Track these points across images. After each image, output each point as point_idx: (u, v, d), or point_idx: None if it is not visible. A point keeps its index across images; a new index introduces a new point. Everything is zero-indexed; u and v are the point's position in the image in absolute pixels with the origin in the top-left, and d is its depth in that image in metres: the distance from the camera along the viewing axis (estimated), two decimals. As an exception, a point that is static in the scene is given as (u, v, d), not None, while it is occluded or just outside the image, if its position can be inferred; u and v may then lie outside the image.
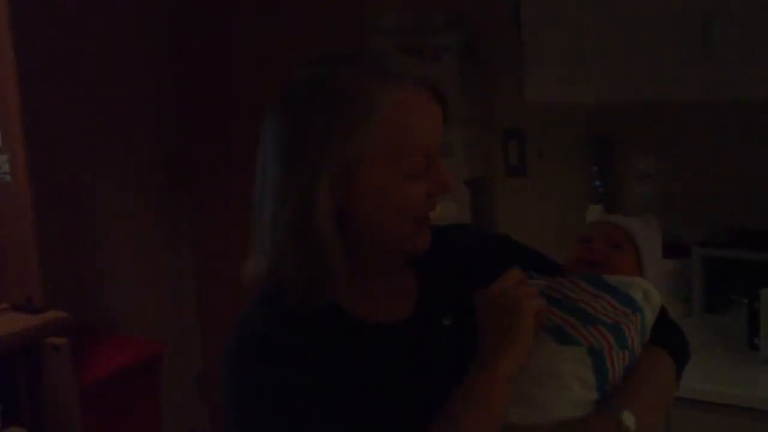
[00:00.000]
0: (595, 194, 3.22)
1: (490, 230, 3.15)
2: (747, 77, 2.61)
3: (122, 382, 3.49)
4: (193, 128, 4.19)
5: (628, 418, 1.38)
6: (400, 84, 1.35)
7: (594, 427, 1.38)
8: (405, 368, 1.39)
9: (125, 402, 3.54)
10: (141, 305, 4.07)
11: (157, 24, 4.09)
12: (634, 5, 2.75)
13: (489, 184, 3.48)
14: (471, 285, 1.45)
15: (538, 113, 3.26)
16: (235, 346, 1.35)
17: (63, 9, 3.67)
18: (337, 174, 1.33)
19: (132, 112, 4.02)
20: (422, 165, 1.37)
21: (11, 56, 3.05)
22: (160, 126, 4.15)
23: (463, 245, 1.58)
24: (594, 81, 2.85)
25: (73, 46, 3.73)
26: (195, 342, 4.34)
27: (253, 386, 1.31)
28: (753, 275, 2.65)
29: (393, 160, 1.35)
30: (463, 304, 1.44)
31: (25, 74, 3.10)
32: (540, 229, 3.22)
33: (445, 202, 1.49)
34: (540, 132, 3.37)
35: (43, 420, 3.09)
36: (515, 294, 1.37)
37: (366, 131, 1.33)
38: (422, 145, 1.37)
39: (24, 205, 3.14)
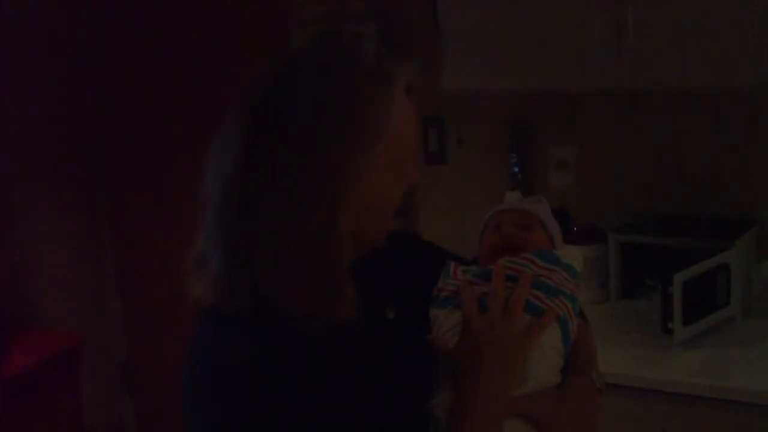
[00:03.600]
0: (514, 181, 3.24)
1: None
2: (660, 65, 2.64)
3: (40, 376, 3.44)
4: (112, 119, 4.13)
5: (599, 377, 1.52)
6: (401, 94, 1.37)
7: (582, 387, 1.48)
8: (372, 363, 1.41)
9: (44, 396, 3.49)
10: (61, 297, 4.01)
11: (75, 15, 4.02)
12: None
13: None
14: (401, 276, 1.50)
15: (457, 101, 3.27)
16: (221, 379, 1.30)
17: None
18: (354, 186, 1.32)
19: (48, 103, 3.94)
20: (412, 168, 1.41)
21: None
22: (77, 117, 4.08)
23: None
24: (510, 69, 2.86)
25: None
26: (118, 332, 4.28)
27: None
28: (668, 260, 2.68)
29: (393, 167, 1.37)
30: (399, 297, 1.49)
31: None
32: (460, 216, 3.23)
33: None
34: (459, 119, 3.38)
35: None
36: (511, 333, 1.41)
37: (380, 143, 1.33)
38: (414, 150, 1.41)
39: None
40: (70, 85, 4.03)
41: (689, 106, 2.99)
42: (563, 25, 2.74)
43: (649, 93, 3.01)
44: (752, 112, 2.91)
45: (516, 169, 3.25)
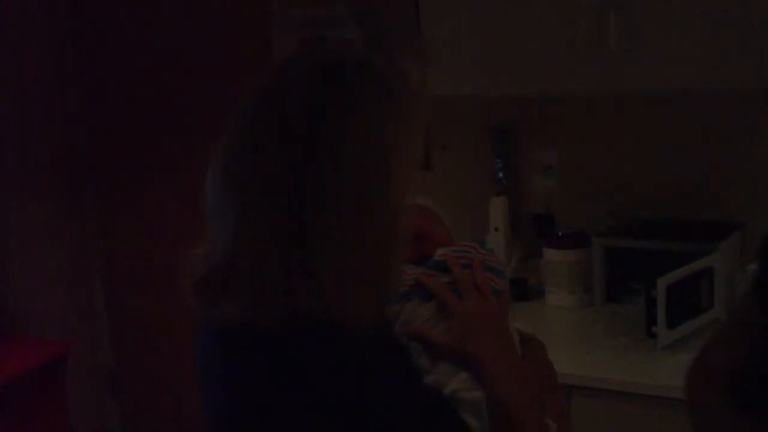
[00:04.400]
0: (498, 186, 3.25)
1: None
2: (642, 69, 2.65)
3: (27, 384, 3.43)
4: (98, 125, 4.12)
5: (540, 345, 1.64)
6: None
7: (539, 348, 1.61)
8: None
9: (32, 403, 3.48)
10: (47, 305, 4.00)
11: (58, 19, 4.01)
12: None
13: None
14: None
15: (440, 106, 3.27)
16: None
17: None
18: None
19: (33, 108, 3.93)
20: None
21: None
22: (63, 123, 4.06)
23: None
24: (494, 74, 2.87)
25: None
26: (105, 339, 4.27)
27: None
28: (653, 264, 2.69)
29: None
30: None
31: None
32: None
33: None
34: (443, 125, 3.38)
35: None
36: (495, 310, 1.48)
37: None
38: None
39: None
40: (52, 90, 4.02)
41: (672, 109, 3.00)
42: (546, 29, 2.75)
43: (632, 96, 3.02)
44: (736, 115, 2.92)
45: (501, 174, 3.26)
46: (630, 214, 3.08)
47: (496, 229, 3.14)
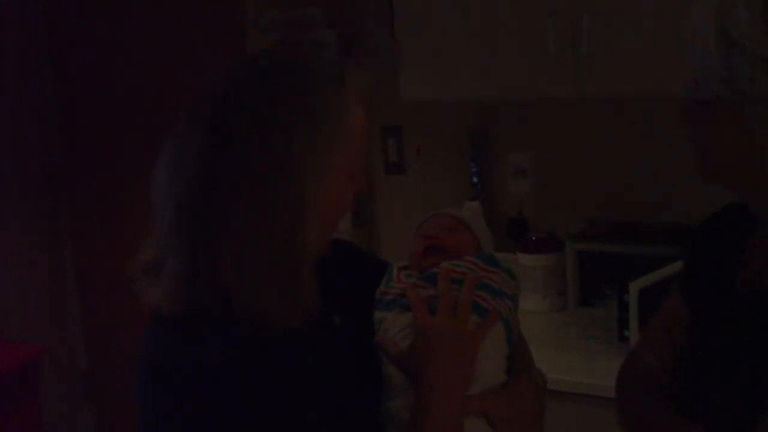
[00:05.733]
0: (473, 190, 3.26)
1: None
2: (615, 73, 2.67)
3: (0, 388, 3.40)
4: (73, 127, 4.10)
5: (540, 375, 1.61)
6: (353, 96, 1.39)
7: (528, 384, 1.54)
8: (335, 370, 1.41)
9: (4, 408, 3.45)
10: (20, 308, 3.97)
11: (35, 25, 3.99)
12: (505, 2, 2.79)
13: (369, 182, 3.48)
14: (338, 282, 1.51)
15: (415, 111, 3.29)
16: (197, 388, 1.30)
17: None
18: (318, 186, 1.34)
19: (6, 112, 3.91)
20: (361, 173, 1.45)
21: None
22: (38, 125, 4.05)
23: None
24: (468, 79, 2.88)
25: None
26: (79, 342, 4.25)
27: None
28: (626, 268, 2.70)
29: (348, 170, 1.39)
30: (343, 303, 1.50)
31: None
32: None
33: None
34: (418, 129, 3.39)
35: None
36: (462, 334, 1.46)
37: (338, 144, 1.36)
38: (364, 154, 1.45)
39: None
40: (27, 94, 4.00)
41: (645, 113, 3.02)
42: (518, 34, 2.77)
43: (604, 101, 3.03)
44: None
45: (475, 179, 3.27)
46: (603, 218, 3.10)
47: (471, 234, 3.15)
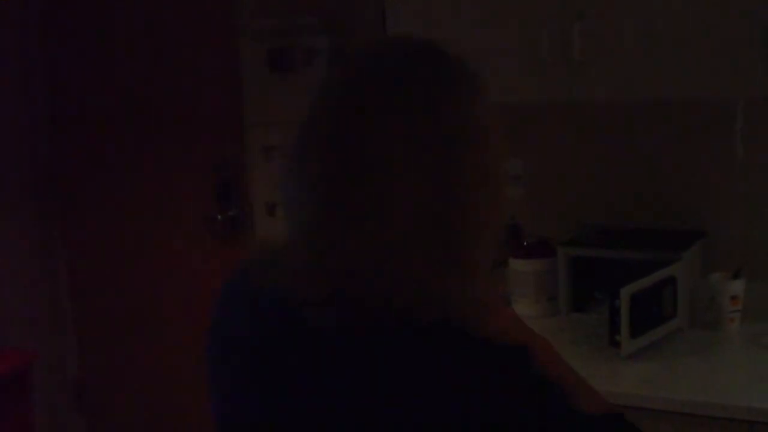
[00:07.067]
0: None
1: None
2: (607, 78, 2.68)
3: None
4: (66, 132, 4.10)
5: None
6: None
7: None
8: None
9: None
10: (12, 315, 3.97)
11: (25, 26, 3.99)
12: (496, 8, 2.80)
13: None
14: None
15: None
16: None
17: None
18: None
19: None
20: None
21: None
22: (28, 131, 4.05)
23: None
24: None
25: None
26: (71, 350, 4.25)
27: None
28: (618, 273, 2.71)
29: None
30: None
31: None
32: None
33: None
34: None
35: None
36: None
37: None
38: None
39: None
40: (16, 98, 4.00)
41: (637, 118, 3.03)
42: (510, 40, 2.77)
43: (596, 106, 3.04)
44: (700, 124, 2.96)
45: (467, 184, 3.27)
46: (595, 224, 3.11)
47: (463, 239, 3.15)
